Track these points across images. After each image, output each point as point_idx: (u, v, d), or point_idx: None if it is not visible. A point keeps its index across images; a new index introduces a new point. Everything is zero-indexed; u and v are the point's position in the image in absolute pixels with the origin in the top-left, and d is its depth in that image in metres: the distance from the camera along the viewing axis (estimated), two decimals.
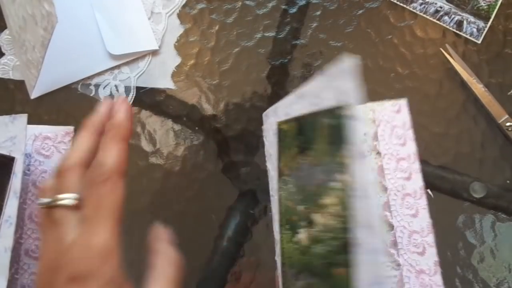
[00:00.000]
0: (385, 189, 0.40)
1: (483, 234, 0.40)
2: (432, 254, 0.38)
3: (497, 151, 0.42)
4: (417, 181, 0.40)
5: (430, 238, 0.38)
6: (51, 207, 0.28)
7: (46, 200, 0.28)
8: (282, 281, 0.33)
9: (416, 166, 0.40)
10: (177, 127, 0.45)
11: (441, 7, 0.46)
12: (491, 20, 0.45)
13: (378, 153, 0.41)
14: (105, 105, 0.32)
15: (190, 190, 0.43)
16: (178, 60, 0.46)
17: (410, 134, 0.41)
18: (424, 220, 0.39)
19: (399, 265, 0.38)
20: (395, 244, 0.38)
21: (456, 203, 0.41)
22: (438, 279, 0.37)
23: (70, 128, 0.45)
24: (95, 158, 0.29)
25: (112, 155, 0.28)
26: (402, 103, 0.42)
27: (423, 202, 0.39)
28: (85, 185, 0.28)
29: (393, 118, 0.41)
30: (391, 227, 0.39)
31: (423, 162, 0.41)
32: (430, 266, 0.37)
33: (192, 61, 0.46)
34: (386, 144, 0.41)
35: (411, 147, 0.40)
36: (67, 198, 0.28)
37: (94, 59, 0.46)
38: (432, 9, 0.46)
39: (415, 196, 0.39)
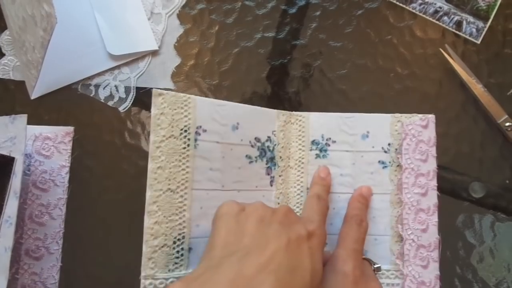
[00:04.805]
0: (400, 202, 0.40)
1: (482, 234, 0.40)
2: (434, 268, 0.39)
3: (496, 151, 0.42)
4: (432, 198, 0.40)
5: (435, 254, 0.39)
6: None
7: None
8: None
9: (434, 183, 0.40)
10: None
11: (440, 8, 0.46)
12: (490, 20, 0.45)
13: (399, 165, 0.41)
14: None
15: None
16: (178, 60, 0.47)
17: (433, 151, 0.41)
18: (432, 236, 0.39)
19: (402, 274, 0.39)
20: (402, 255, 0.40)
21: (456, 203, 0.41)
22: None
23: (70, 128, 0.45)
24: None
25: None
26: (430, 118, 0.42)
27: (434, 219, 0.40)
28: None
29: (419, 132, 0.41)
30: (401, 238, 0.40)
31: None
32: (431, 279, 0.39)
33: (192, 62, 0.46)
34: (408, 159, 0.41)
35: (432, 164, 0.41)
36: None
37: (94, 59, 0.46)
38: (431, 9, 0.46)
39: (427, 212, 0.40)
